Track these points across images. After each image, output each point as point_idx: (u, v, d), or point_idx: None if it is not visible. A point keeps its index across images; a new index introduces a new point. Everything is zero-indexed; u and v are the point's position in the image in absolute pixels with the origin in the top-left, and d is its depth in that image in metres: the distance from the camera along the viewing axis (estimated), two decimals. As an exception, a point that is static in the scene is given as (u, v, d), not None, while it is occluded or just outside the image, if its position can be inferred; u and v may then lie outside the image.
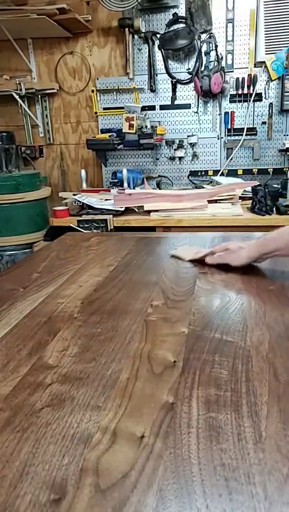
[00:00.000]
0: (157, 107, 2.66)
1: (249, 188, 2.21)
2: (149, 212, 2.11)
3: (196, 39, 2.45)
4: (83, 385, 0.53)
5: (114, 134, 2.57)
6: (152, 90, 2.63)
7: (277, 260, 0.95)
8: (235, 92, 2.53)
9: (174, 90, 2.61)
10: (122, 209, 2.14)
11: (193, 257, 1.05)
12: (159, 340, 0.64)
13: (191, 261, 1.05)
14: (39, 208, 2.48)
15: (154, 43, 2.55)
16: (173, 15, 2.47)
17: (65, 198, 2.37)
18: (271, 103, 2.51)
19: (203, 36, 2.44)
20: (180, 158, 2.69)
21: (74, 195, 2.31)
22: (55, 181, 2.94)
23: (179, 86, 2.60)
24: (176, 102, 2.63)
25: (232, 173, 2.62)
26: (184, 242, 1.24)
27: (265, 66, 2.45)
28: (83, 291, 0.87)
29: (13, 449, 0.42)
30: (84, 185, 2.53)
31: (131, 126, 2.46)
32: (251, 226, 1.95)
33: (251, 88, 2.48)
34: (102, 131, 2.70)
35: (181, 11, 2.47)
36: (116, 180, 2.52)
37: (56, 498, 0.36)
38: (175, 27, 2.47)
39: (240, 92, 2.51)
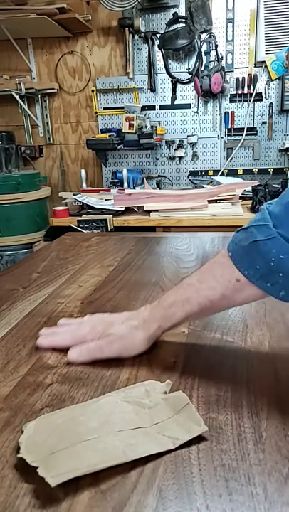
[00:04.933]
0: (157, 107, 2.66)
1: (249, 188, 2.21)
2: (149, 212, 2.11)
3: (196, 39, 2.45)
4: (83, 385, 0.53)
5: (114, 134, 2.57)
6: (152, 90, 2.63)
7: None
8: (235, 92, 2.53)
9: (174, 90, 2.61)
10: (122, 209, 2.14)
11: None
12: (159, 340, 0.64)
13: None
14: (39, 208, 2.49)
15: (154, 43, 2.55)
16: (173, 14, 2.46)
17: (65, 198, 2.37)
18: (271, 103, 2.51)
19: (203, 36, 2.44)
20: (180, 158, 2.69)
21: (74, 195, 2.31)
22: (55, 181, 2.94)
23: (178, 86, 2.60)
24: (176, 102, 2.63)
25: (232, 173, 2.62)
26: (184, 242, 1.24)
27: (265, 66, 2.45)
28: (83, 291, 0.87)
29: (13, 449, 0.42)
30: (84, 185, 2.53)
31: (131, 126, 2.46)
32: (251, 226, 1.95)
33: (251, 88, 2.48)
34: (102, 131, 2.70)
35: (181, 11, 2.46)
36: (116, 180, 2.51)
37: (56, 499, 0.36)
38: (175, 27, 2.47)
39: (240, 91, 2.51)
